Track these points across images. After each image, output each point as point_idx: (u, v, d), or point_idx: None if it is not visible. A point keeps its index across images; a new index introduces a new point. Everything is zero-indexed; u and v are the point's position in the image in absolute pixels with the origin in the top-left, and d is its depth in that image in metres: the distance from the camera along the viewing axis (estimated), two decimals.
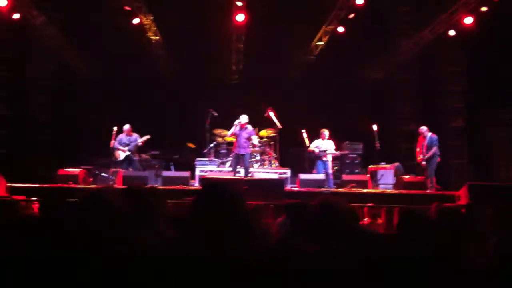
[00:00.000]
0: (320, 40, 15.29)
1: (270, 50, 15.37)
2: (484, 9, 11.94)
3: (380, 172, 13.22)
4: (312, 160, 13.21)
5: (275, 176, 13.25)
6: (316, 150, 12.77)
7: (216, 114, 14.15)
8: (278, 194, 9.74)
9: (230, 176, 12.15)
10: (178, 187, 10.94)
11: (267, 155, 14.45)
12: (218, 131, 14.52)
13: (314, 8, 14.22)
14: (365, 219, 8.41)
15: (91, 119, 15.21)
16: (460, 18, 12.48)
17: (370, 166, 13.67)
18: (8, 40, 13.57)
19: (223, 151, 14.31)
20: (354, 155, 14.82)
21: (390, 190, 12.08)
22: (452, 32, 13.09)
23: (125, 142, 12.63)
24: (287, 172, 13.64)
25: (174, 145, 15.50)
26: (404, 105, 16.08)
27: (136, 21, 13.59)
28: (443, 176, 13.33)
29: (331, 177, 12.73)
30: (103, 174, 12.76)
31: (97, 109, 15.38)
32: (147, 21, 14.12)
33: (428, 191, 11.41)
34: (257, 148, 14.03)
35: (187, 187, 11.23)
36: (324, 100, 16.26)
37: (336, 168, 14.27)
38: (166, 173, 12.63)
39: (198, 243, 2.36)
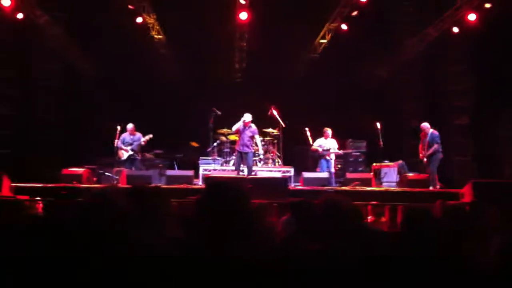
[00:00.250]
0: (323, 38, 15.28)
1: (273, 49, 15.38)
2: (488, 5, 11.91)
3: (384, 170, 13.21)
4: (315, 159, 13.22)
5: (279, 175, 13.25)
6: (320, 149, 12.77)
7: (219, 113, 14.16)
8: (281, 193, 9.75)
9: (234, 174, 12.15)
10: (181, 186, 10.96)
11: (270, 153, 14.45)
12: (221, 130, 14.52)
13: (317, 6, 14.20)
14: (369, 217, 8.38)
15: (95, 119, 15.25)
16: (464, 15, 12.45)
17: (374, 164, 13.67)
18: (12, 41, 13.58)
19: (227, 150, 14.31)
20: (358, 153, 14.80)
21: (393, 188, 12.06)
22: (456, 29, 13.06)
23: (128, 141, 12.65)
24: (291, 171, 13.65)
25: (177, 144, 15.50)
26: (408, 102, 16.05)
27: (139, 20, 13.61)
28: (448, 173, 13.31)
29: (333, 175, 12.74)
30: (106, 173, 12.78)
31: (100, 109, 15.41)
32: (151, 20, 14.14)
33: (430, 188, 11.38)
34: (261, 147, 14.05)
35: (190, 186, 11.23)
36: (327, 98, 16.25)
37: (339, 166, 14.28)
38: (169, 172, 12.65)
39: (202, 242, 2.36)
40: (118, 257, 2.33)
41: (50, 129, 14.69)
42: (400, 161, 13.45)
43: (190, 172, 12.18)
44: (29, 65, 14.42)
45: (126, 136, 12.72)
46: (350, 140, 15.02)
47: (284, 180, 11.45)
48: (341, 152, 13.31)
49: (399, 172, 12.95)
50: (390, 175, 13.15)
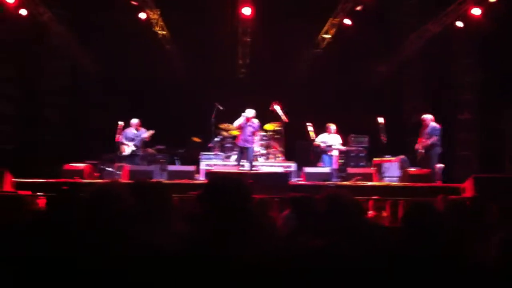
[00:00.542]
0: (326, 33, 15.25)
1: (276, 44, 15.37)
2: (492, 0, 11.86)
3: (385, 165, 13.20)
4: (317, 154, 13.22)
5: (280, 170, 13.26)
6: (322, 145, 12.77)
7: (221, 108, 14.15)
8: (283, 188, 9.74)
9: (235, 170, 12.16)
10: (183, 181, 10.95)
11: (272, 148, 14.45)
12: (223, 125, 14.52)
13: (321, 1, 14.18)
14: (370, 212, 8.38)
15: (97, 115, 15.24)
16: (467, 9, 12.40)
17: (375, 159, 13.66)
18: (14, 38, 13.60)
19: (228, 145, 14.30)
20: (360, 148, 14.79)
21: (395, 183, 12.05)
22: (460, 24, 13.01)
23: (130, 136, 12.70)
24: (292, 166, 13.65)
25: (179, 139, 15.51)
26: (410, 97, 16.03)
27: (143, 15, 13.60)
28: (450, 168, 13.31)
29: (334, 172, 12.75)
30: (108, 169, 12.79)
31: (103, 105, 15.40)
32: (154, 15, 14.13)
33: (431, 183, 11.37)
34: (262, 142, 14.06)
35: (192, 181, 11.24)
36: (330, 94, 16.23)
37: (341, 161, 14.27)
38: (171, 168, 12.65)
39: (204, 238, 2.37)
40: (122, 254, 2.34)
41: (52, 125, 14.73)
42: (402, 156, 13.43)
43: (191, 167, 12.19)
44: (32, 62, 14.43)
45: (129, 131, 12.76)
46: (352, 135, 15.00)
47: (286, 175, 11.45)
48: (343, 148, 13.34)
49: (400, 167, 12.94)
50: (391, 170, 13.14)
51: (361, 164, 14.42)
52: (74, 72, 15.49)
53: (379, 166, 13.10)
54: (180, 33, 15.28)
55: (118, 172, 12.12)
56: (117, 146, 12.67)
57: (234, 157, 13.74)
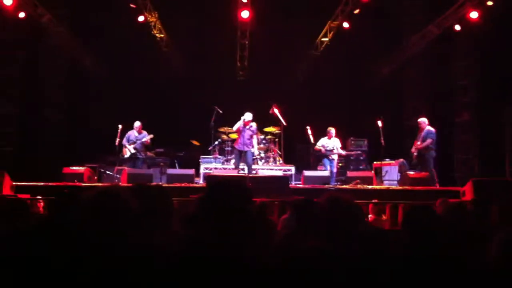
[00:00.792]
0: (325, 36, 15.28)
1: (275, 47, 15.37)
2: (490, 3, 11.90)
3: (385, 168, 13.21)
4: (317, 157, 13.24)
5: (280, 173, 13.26)
6: (322, 149, 12.79)
7: (220, 111, 14.15)
8: (282, 191, 9.74)
9: (235, 173, 12.16)
10: (183, 184, 10.95)
11: (271, 152, 14.46)
12: (223, 129, 14.52)
13: (319, 4, 14.21)
14: (370, 215, 8.38)
15: (96, 117, 15.22)
16: (466, 13, 12.44)
17: (375, 162, 13.66)
18: (15, 39, 13.62)
19: (228, 148, 14.30)
20: (359, 152, 14.81)
21: (394, 186, 12.06)
22: (458, 27, 13.05)
23: (132, 139, 12.72)
24: (292, 169, 13.66)
25: (178, 142, 15.51)
26: (409, 100, 16.04)
27: (141, 18, 13.63)
28: (450, 171, 13.32)
29: (334, 174, 12.76)
30: (108, 172, 12.80)
31: (102, 108, 15.39)
32: (152, 18, 14.15)
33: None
34: (261, 146, 14.06)
35: (191, 185, 11.24)
36: (329, 96, 16.23)
37: (341, 164, 14.29)
38: (170, 171, 12.65)
39: (205, 241, 2.37)
40: (122, 257, 2.34)
41: (51, 127, 14.73)
42: (401, 159, 13.45)
43: (191, 171, 12.18)
44: (32, 64, 14.44)
45: (131, 134, 12.79)
46: (351, 138, 15.03)
47: (285, 179, 11.45)
48: (343, 153, 13.37)
49: (400, 171, 12.94)
50: (391, 173, 13.16)
51: (361, 167, 14.45)
52: (74, 74, 15.48)
53: (378, 170, 13.11)
54: (179, 35, 15.30)
55: (117, 176, 12.11)
56: (118, 148, 12.69)
57: (233, 160, 13.74)
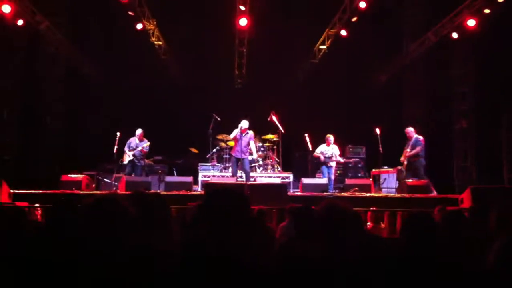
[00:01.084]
0: (323, 43, 15.33)
1: (273, 54, 15.41)
2: (487, 11, 11.96)
3: (383, 176, 13.22)
4: (316, 165, 13.25)
5: (278, 181, 13.26)
6: (321, 157, 12.80)
7: (219, 119, 14.16)
8: (281, 199, 9.73)
9: (233, 181, 12.16)
10: (181, 192, 10.94)
11: (269, 159, 14.47)
12: (221, 136, 14.52)
13: (317, 12, 14.26)
14: (368, 223, 8.38)
15: (95, 125, 15.22)
16: (463, 21, 12.50)
17: (373, 170, 13.67)
18: (14, 47, 13.65)
19: (226, 156, 14.30)
20: (357, 159, 14.82)
21: (393, 194, 12.05)
22: (455, 35, 13.10)
23: (132, 146, 12.73)
24: (290, 177, 13.66)
25: (177, 150, 15.51)
26: (407, 108, 16.07)
27: (139, 26, 13.66)
28: (448, 178, 13.31)
29: (332, 182, 12.77)
30: (106, 179, 12.78)
31: (101, 115, 15.40)
32: (151, 26, 14.18)
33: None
34: (259, 153, 14.07)
35: (190, 193, 11.22)
36: (327, 104, 16.25)
37: (339, 172, 14.30)
38: (169, 179, 12.62)
39: (203, 246, 2.37)
40: (120, 263, 2.33)
41: (51, 136, 14.72)
42: (399, 167, 13.45)
43: (189, 178, 12.17)
44: (31, 71, 14.45)
45: (132, 140, 12.81)
46: (350, 146, 15.06)
47: (283, 186, 11.44)
48: (342, 160, 13.39)
49: (398, 178, 12.95)
50: (389, 181, 13.17)
51: (359, 175, 14.46)
52: (73, 82, 15.48)
53: (377, 177, 13.11)
54: (177, 43, 15.34)
55: (115, 183, 12.10)
56: (117, 156, 12.68)
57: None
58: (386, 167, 13.50)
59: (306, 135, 13.38)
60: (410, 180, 11.87)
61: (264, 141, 14.55)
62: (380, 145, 12.65)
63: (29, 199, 9.54)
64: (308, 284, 2.49)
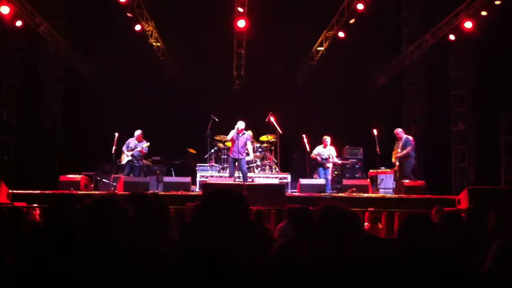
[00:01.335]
0: (321, 45, 15.35)
1: (271, 56, 15.42)
2: (484, 13, 12.01)
3: (381, 176, 13.24)
4: (313, 166, 13.27)
5: (276, 181, 13.27)
6: (318, 158, 12.82)
7: (217, 119, 14.16)
8: (278, 199, 9.74)
9: (231, 181, 12.16)
10: (179, 192, 10.95)
11: (267, 160, 14.48)
12: (219, 137, 14.53)
13: (316, 13, 14.29)
14: (366, 223, 8.40)
15: (94, 125, 15.22)
16: (460, 23, 12.55)
17: (371, 170, 13.69)
18: (14, 48, 13.65)
19: (224, 156, 14.31)
20: (355, 160, 14.84)
21: (390, 194, 12.08)
22: (452, 37, 13.15)
23: (131, 147, 12.72)
24: (288, 177, 13.67)
25: (175, 150, 15.51)
26: (406, 109, 16.10)
27: (138, 27, 13.67)
28: (446, 179, 13.33)
29: (329, 182, 12.79)
30: (104, 180, 12.78)
31: (99, 115, 15.40)
32: (149, 27, 14.19)
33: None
34: (257, 154, 14.09)
35: (188, 193, 11.23)
36: (325, 105, 16.26)
37: (336, 173, 14.32)
38: (167, 179, 12.62)
39: (201, 247, 2.38)
40: (119, 265, 2.34)
41: (48, 135, 14.72)
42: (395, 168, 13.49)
43: (187, 179, 12.17)
44: (31, 73, 14.46)
45: (131, 141, 12.79)
46: (347, 146, 15.08)
47: (281, 187, 11.45)
48: (339, 162, 13.43)
49: (395, 179, 12.98)
50: (386, 182, 13.19)
51: (357, 175, 14.48)
52: (72, 83, 15.49)
53: (374, 178, 13.14)
54: (176, 44, 15.35)
55: (113, 184, 12.10)
56: (115, 156, 12.67)
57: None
58: (383, 168, 13.53)
59: (304, 136, 13.39)
60: (407, 181, 11.91)
61: (261, 141, 14.55)
62: (377, 146, 12.68)
63: (28, 199, 9.55)
64: (306, 284, 2.50)
